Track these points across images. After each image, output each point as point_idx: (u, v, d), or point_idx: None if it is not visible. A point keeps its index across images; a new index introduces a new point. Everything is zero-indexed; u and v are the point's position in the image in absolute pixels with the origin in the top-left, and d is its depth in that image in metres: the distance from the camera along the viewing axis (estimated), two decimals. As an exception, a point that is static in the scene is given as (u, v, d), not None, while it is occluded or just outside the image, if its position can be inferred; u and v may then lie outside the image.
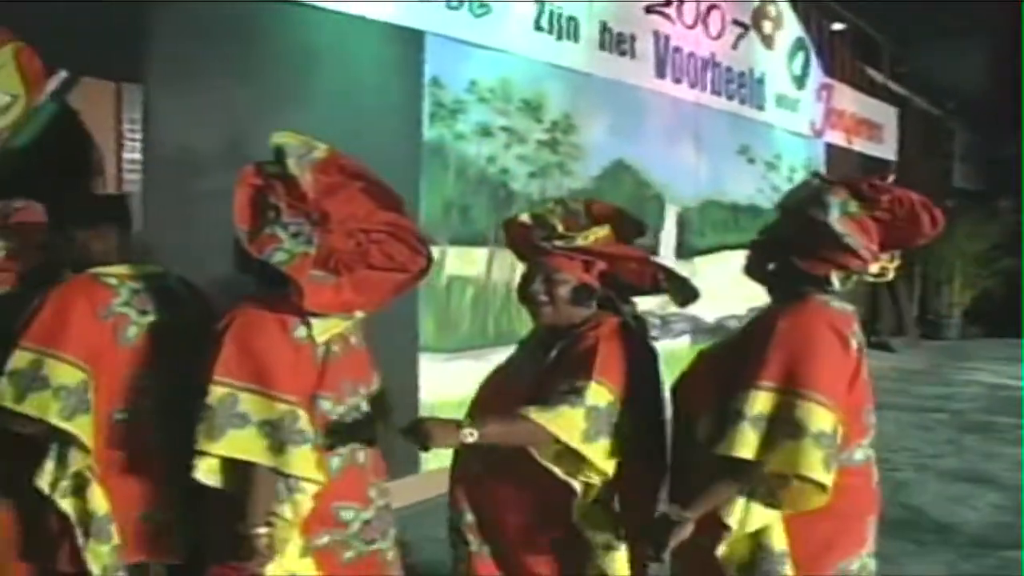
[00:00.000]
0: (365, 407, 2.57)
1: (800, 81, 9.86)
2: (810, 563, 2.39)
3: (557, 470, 2.40)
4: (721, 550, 2.36)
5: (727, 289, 8.56)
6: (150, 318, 2.62)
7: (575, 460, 2.39)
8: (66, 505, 2.49)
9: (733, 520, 2.32)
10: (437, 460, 5.21)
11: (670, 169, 7.73)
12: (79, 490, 2.51)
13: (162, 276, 2.76)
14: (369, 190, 2.46)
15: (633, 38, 7.13)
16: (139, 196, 3.71)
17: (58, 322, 2.48)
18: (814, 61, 10.16)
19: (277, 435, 2.31)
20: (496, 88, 5.83)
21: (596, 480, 2.43)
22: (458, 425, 2.30)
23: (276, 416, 2.31)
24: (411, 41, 5.19)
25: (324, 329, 2.42)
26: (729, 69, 8.50)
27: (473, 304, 5.74)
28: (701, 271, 8.02)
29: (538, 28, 6.15)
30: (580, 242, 2.57)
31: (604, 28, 6.80)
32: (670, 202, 7.78)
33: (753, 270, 2.60)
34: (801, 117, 9.99)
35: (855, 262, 2.39)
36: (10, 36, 2.99)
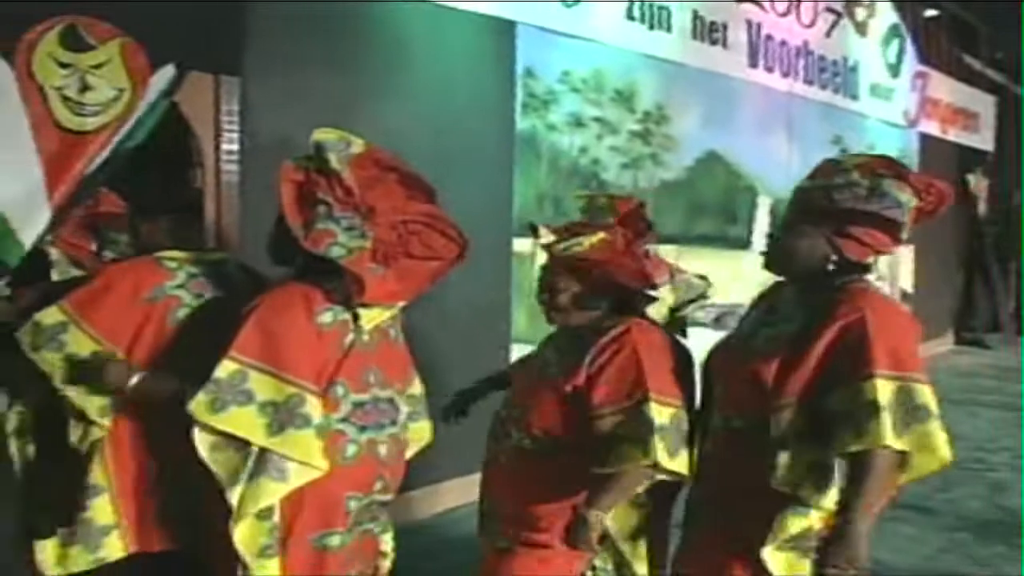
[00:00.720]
0: (399, 403, 2.60)
1: (894, 69, 9.56)
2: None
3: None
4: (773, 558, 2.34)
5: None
6: (203, 301, 2.69)
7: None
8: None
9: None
10: None
11: (762, 160, 7.55)
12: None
13: (222, 262, 2.87)
14: (404, 181, 2.52)
15: (725, 27, 6.96)
16: (236, 186, 3.73)
17: (96, 294, 2.60)
18: (909, 48, 9.83)
19: (278, 416, 2.34)
20: (588, 78, 5.72)
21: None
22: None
23: (282, 398, 2.34)
24: (503, 32, 5.12)
25: (370, 319, 2.49)
26: (822, 57, 8.26)
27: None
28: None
29: (630, 18, 6.02)
30: (576, 249, 2.58)
31: (696, 17, 6.64)
32: (762, 193, 7.59)
33: (776, 264, 2.54)
34: (895, 106, 9.67)
35: (894, 247, 2.44)
36: (117, 32, 2.98)
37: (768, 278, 2.61)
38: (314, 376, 2.39)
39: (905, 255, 10.14)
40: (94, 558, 2.64)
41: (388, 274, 2.46)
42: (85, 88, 2.88)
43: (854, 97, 8.88)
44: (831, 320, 2.34)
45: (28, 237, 2.82)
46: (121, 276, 2.67)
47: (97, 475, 2.64)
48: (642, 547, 2.69)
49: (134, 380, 2.46)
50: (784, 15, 7.66)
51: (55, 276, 2.98)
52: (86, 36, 2.90)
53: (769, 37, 7.50)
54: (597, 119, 5.81)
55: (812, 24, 8.04)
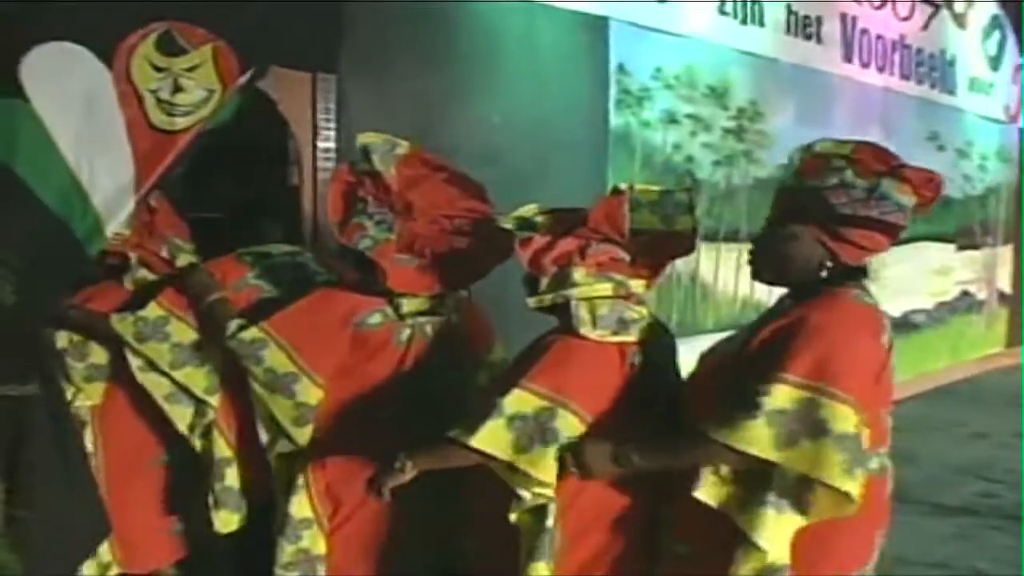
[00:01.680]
0: None
1: (995, 63, 9.17)
2: (807, 568, 2.12)
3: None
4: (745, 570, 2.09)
5: (913, 282, 8.14)
6: (280, 291, 2.85)
7: None
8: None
9: (764, 540, 2.05)
10: None
11: (857, 157, 7.24)
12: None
13: (298, 253, 3.09)
14: (451, 180, 2.60)
15: (819, 21, 6.74)
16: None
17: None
18: (1010, 41, 9.42)
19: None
20: (681, 75, 5.55)
21: None
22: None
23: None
24: (596, 28, 4.99)
25: (412, 306, 2.59)
26: (919, 51, 7.95)
27: (657, 295, 5.49)
28: (888, 263, 7.56)
29: (723, 13, 5.86)
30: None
31: (790, 11, 6.44)
32: (857, 191, 7.29)
33: (764, 271, 2.31)
34: (995, 101, 9.29)
35: (887, 246, 2.22)
36: (211, 36, 3.00)
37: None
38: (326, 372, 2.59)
39: (1003, 254, 9.74)
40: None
41: (425, 264, 2.54)
42: (177, 90, 2.92)
43: (952, 92, 8.55)
44: (766, 323, 2.20)
45: (111, 230, 2.86)
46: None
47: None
48: None
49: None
50: (880, 8, 7.40)
51: (128, 281, 3.04)
52: (181, 41, 2.95)
53: (864, 31, 7.25)
54: (690, 116, 5.64)
55: (909, 17, 7.76)
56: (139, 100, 2.85)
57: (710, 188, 5.72)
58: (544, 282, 2.37)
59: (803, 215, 2.21)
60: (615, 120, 5.14)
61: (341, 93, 3.70)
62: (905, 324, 7.80)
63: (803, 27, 6.60)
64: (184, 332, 2.88)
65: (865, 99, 7.36)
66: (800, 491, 2.06)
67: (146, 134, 2.88)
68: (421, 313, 2.61)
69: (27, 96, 2.71)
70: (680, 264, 5.51)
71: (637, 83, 5.26)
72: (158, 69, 2.89)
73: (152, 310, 2.88)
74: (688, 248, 2.40)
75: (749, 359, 2.16)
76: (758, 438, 1.99)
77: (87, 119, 2.79)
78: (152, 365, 2.90)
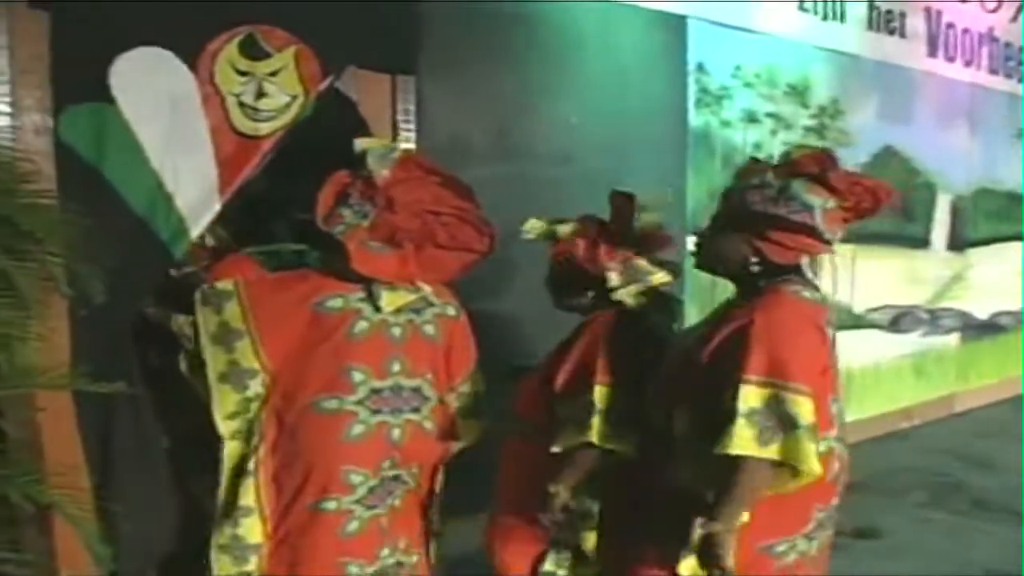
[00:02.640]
0: (424, 390, 2.71)
1: (1086, 57, 8.78)
2: (751, 532, 2.26)
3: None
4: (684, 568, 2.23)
5: (1001, 283, 7.85)
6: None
7: None
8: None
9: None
10: None
11: (942, 155, 6.99)
12: None
13: (304, 252, 3.03)
14: (443, 182, 2.68)
15: (903, 15, 6.50)
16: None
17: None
18: (1104, 34, 9.02)
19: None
20: (761, 73, 5.41)
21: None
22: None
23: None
24: (675, 27, 4.89)
25: (391, 300, 2.62)
26: (1008, 45, 7.61)
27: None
28: (974, 264, 7.31)
29: (803, 9, 5.69)
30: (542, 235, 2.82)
31: (872, 6, 6.22)
32: (942, 190, 7.04)
33: (705, 263, 2.52)
34: (1087, 96, 8.89)
35: (825, 249, 2.36)
36: (293, 40, 3.04)
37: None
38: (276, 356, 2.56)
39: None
40: None
41: (406, 256, 2.62)
42: (261, 94, 2.96)
43: (1042, 87, 8.18)
44: (727, 323, 2.31)
45: (195, 232, 2.90)
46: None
47: None
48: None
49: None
50: (967, 0, 7.11)
51: None
52: (264, 44, 2.98)
53: (950, 25, 6.97)
54: (771, 114, 5.49)
55: (997, 9, 7.44)
56: (223, 104, 2.88)
57: (790, 187, 5.56)
58: (615, 277, 2.66)
59: (732, 215, 2.40)
60: (694, 120, 5.03)
61: (420, 94, 3.67)
62: (992, 326, 7.54)
63: (886, 22, 6.38)
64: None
65: (951, 95, 7.09)
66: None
67: (229, 138, 2.91)
68: (399, 311, 2.64)
69: (115, 100, 2.75)
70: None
71: (716, 82, 5.15)
72: (241, 73, 2.91)
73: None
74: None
75: (711, 366, 2.29)
76: (744, 441, 2.14)
77: (172, 122, 2.82)
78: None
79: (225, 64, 2.88)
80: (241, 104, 2.91)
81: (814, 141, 5.74)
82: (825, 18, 5.85)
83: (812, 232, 2.29)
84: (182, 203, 2.84)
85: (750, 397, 2.16)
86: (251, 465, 2.57)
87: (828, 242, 2.33)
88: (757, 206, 2.31)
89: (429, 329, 2.71)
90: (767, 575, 2.35)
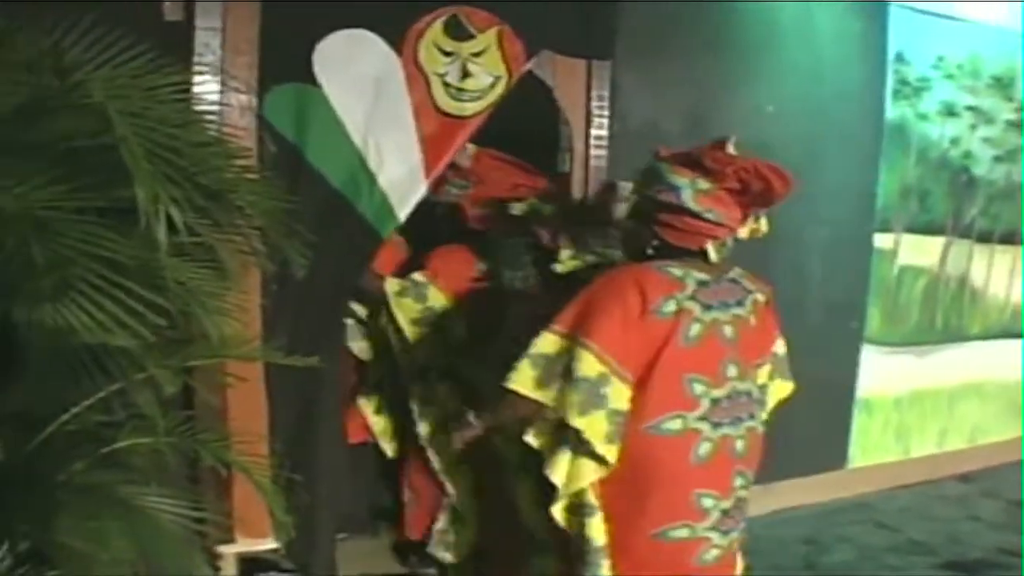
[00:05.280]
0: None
1: None
2: (625, 524, 2.33)
3: None
4: (556, 509, 2.36)
5: None
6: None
7: None
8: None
9: (558, 477, 2.31)
10: (864, 456, 4.74)
11: None
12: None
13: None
14: (514, 163, 3.14)
15: (1120, 4, 5.84)
16: (604, 171, 3.49)
17: None
18: None
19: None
20: (964, 64, 4.91)
21: None
22: None
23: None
24: (875, 15, 4.50)
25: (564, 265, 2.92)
26: None
27: (923, 296, 4.96)
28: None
29: (1012, -5, 5.17)
30: None
31: (1087, -7, 5.61)
32: None
33: (631, 253, 2.50)
34: None
35: (722, 231, 2.32)
36: (496, 20, 2.99)
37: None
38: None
39: None
40: None
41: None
42: (465, 75, 2.91)
43: None
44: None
45: (403, 213, 2.87)
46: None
47: None
48: None
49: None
50: None
51: None
52: (468, 25, 2.94)
53: None
54: (971, 108, 4.99)
55: None
56: (426, 84, 2.84)
57: (988, 185, 5.08)
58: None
59: (645, 210, 2.40)
60: (891, 111, 4.63)
61: (615, 80, 3.49)
62: None
63: (1101, 11, 5.74)
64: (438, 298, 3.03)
65: None
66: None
67: (433, 118, 2.87)
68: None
69: (318, 81, 2.73)
70: (950, 265, 4.97)
71: (916, 72, 4.71)
72: (446, 53, 2.88)
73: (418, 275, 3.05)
74: None
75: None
76: (524, 378, 2.25)
77: (375, 103, 2.79)
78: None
79: (429, 44, 2.84)
80: (445, 84, 2.88)
81: (1015, 138, 5.23)
82: (1035, 5, 5.30)
83: (687, 213, 2.27)
84: (385, 181, 2.79)
85: (545, 343, 2.26)
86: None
87: (716, 224, 2.28)
88: (637, 187, 2.43)
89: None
90: (683, 573, 2.32)
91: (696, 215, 2.27)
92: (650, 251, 2.36)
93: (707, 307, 2.30)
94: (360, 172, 2.77)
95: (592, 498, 2.33)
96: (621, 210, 2.76)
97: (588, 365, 2.20)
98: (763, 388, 2.52)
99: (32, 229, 1.65)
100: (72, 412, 2.01)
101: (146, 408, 2.07)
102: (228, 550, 2.87)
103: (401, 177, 2.82)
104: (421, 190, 2.87)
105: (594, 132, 3.40)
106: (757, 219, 2.37)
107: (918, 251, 4.86)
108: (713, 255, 2.32)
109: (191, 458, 2.41)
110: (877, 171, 4.56)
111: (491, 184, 3.11)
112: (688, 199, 2.26)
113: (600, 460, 2.25)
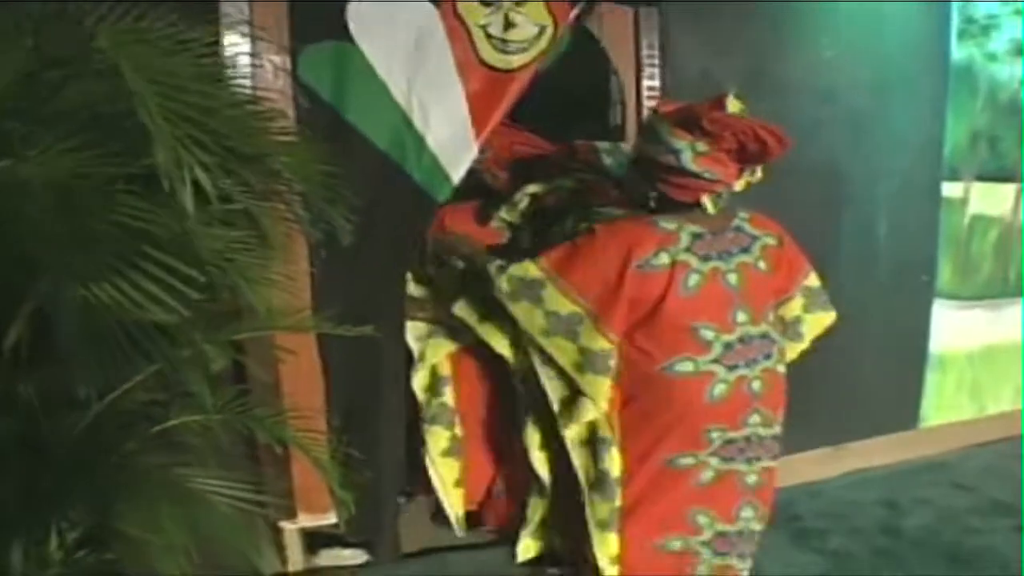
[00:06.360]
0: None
1: None
2: (639, 455, 2.56)
3: None
4: (570, 432, 2.61)
5: None
6: None
7: None
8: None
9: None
10: (938, 415, 4.52)
11: None
12: None
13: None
14: (507, 125, 3.00)
15: None
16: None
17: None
18: None
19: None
20: (1034, -2, 4.64)
21: None
22: None
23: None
24: (936, -50, 4.24)
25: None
26: None
27: (995, 248, 4.69)
28: None
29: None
30: None
31: None
32: None
33: (634, 203, 2.63)
34: None
35: (720, 186, 2.47)
36: None
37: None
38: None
39: None
40: None
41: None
42: (509, 26, 2.76)
43: None
44: None
45: (456, 175, 2.75)
46: None
47: None
48: None
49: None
50: None
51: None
52: None
53: None
54: (1043, 46, 4.71)
55: None
56: (469, 36, 2.70)
57: (1059, 129, 4.79)
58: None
59: (646, 169, 2.54)
60: (956, 53, 4.35)
61: (667, 31, 3.30)
62: None
63: None
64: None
65: None
66: None
67: (478, 72, 2.73)
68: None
69: (354, 39, 2.60)
70: (1024, 217, 4.71)
71: (983, 9, 4.42)
72: (486, 3, 2.73)
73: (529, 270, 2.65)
74: None
75: None
76: (503, 284, 2.55)
77: (417, 59, 2.66)
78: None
79: None
80: (488, 36, 2.72)
81: (1090, 77, 4.91)
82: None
83: (687, 174, 2.41)
84: (434, 141, 2.67)
85: (530, 268, 2.52)
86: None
87: (713, 181, 2.43)
88: (638, 148, 2.58)
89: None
90: (682, 491, 2.56)
91: (695, 175, 2.42)
92: (652, 204, 2.55)
93: (705, 258, 2.47)
94: (406, 134, 2.64)
95: (608, 431, 2.56)
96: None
97: (559, 303, 2.49)
98: (796, 321, 2.73)
99: (57, 200, 1.53)
100: (119, 391, 1.92)
101: (193, 385, 1.98)
102: (290, 526, 2.82)
103: (451, 137, 2.69)
104: (473, 150, 2.73)
105: (646, 83, 3.23)
106: (752, 172, 2.51)
107: (989, 200, 4.58)
108: (710, 207, 2.49)
109: (246, 436, 2.34)
110: (943, 117, 4.30)
111: (497, 148, 3.09)
112: (687, 161, 2.40)
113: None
